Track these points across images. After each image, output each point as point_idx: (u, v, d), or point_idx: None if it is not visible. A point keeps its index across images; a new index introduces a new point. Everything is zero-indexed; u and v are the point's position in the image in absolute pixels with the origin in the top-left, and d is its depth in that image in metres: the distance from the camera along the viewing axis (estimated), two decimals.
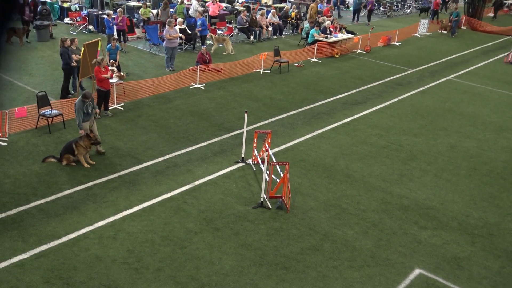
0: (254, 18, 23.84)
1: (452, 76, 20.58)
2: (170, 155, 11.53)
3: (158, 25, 21.49)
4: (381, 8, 35.38)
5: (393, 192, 10.71)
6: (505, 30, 31.45)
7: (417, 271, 8.23)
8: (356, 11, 30.90)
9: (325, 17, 25.36)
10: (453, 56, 24.20)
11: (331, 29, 23.15)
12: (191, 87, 16.29)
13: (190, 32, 20.92)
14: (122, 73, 15.20)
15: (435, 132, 14.28)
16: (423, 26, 29.36)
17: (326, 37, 22.26)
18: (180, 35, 19.36)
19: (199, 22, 20.92)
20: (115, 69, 15.06)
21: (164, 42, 18.11)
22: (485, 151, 13.30)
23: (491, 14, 38.23)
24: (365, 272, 8.08)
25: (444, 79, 20.01)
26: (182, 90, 16.00)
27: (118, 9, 20.82)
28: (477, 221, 9.90)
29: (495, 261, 8.68)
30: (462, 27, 32.24)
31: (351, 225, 9.37)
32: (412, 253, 8.70)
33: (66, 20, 23.89)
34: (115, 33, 19.78)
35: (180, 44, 19.88)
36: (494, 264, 8.59)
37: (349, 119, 14.73)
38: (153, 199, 9.65)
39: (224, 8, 26.27)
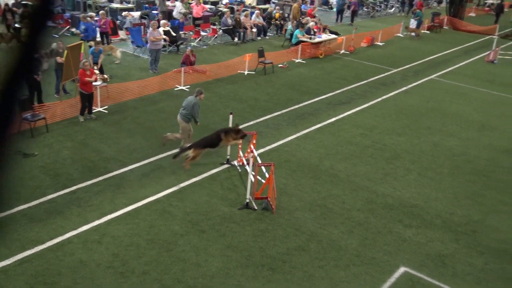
0: (238, 19, 23.85)
1: (435, 75, 20.79)
2: (155, 158, 11.49)
3: (142, 27, 21.41)
4: (365, 9, 35.62)
5: (377, 191, 10.78)
6: (486, 29, 31.85)
7: (402, 269, 8.30)
8: (340, 12, 31.07)
9: (308, 18, 25.48)
10: (436, 56, 24.45)
11: (315, 29, 23.26)
12: (175, 89, 16.24)
13: (174, 34, 20.87)
14: (105, 76, 15.11)
15: (419, 131, 14.42)
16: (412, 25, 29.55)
17: (310, 38, 22.35)
18: (164, 37, 19.31)
19: (82, 27, 18.60)
20: (98, 71, 14.96)
21: (148, 44, 18.04)
22: (468, 149, 13.45)
23: (473, 14, 38.70)
24: (351, 271, 8.13)
25: (427, 78, 20.21)
26: (167, 92, 15.95)
27: (101, 12, 20.69)
28: (460, 218, 10.01)
29: (478, 258, 8.78)
30: (444, 27, 32.59)
31: (336, 224, 9.41)
32: (397, 251, 8.77)
33: (48, 23, 23.65)
34: (98, 35, 19.64)
35: (164, 46, 19.82)
36: (478, 261, 8.70)
37: (333, 119, 14.81)
38: (138, 202, 9.60)
39: (208, 9, 26.24)
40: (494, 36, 29.66)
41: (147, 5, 26.37)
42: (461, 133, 14.57)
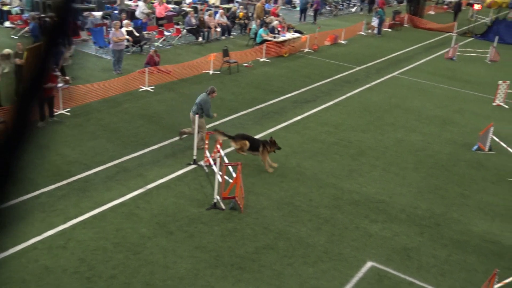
0: (202, 19, 23.75)
1: (397, 72, 21.19)
2: (120, 160, 11.34)
3: (104, 27, 21.07)
4: (327, 7, 36.00)
5: (344, 188, 10.93)
6: (445, 27, 32.66)
7: (369, 264, 8.43)
8: (303, 11, 31.32)
9: (272, 17, 25.58)
10: (397, 53, 24.93)
11: (279, 28, 23.38)
12: (140, 90, 16.06)
13: (137, 34, 20.62)
14: (67, 78, 14.81)
15: (383, 128, 14.68)
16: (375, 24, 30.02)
17: (274, 37, 22.46)
18: (127, 37, 19.06)
19: (30, 26, 17.92)
20: (59, 73, 14.64)
21: (111, 44, 17.78)
22: (430, 144, 13.77)
23: (432, 12, 39.61)
24: (319, 268, 8.22)
25: (390, 75, 20.58)
26: (131, 93, 15.75)
27: None
28: (424, 212, 10.25)
29: (442, 250, 9.01)
30: (405, 25, 33.24)
31: (304, 222, 9.50)
32: (364, 246, 8.91)
33: (7, 24, 23.03)
34: None
35: (127, 47, 19.57)
36: (442, 253, 8.92)
37: (299, 117, 14.92)
38: (104, 205, 9.46)
39: (171, 9, 26.03)
40: (452, 34, 30.45)
41: (109, 5, 25.97)
42: (423, 128, 14.90)
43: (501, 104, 17.84)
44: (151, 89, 16.21)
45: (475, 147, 13.66)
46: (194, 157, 11.39)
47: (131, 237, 8.58)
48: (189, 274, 7.80)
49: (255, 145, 11.46)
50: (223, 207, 9.67)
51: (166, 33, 22.96)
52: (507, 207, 10.74)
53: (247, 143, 11.40)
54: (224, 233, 8.93)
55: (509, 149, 13.49)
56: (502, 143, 13.76)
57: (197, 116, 11.64)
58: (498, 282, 7.89)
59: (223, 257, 8.26)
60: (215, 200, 9.71)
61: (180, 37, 23.24)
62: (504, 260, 8.88)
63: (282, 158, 12.09)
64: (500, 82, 17.95)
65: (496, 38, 26.75)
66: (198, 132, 11.68)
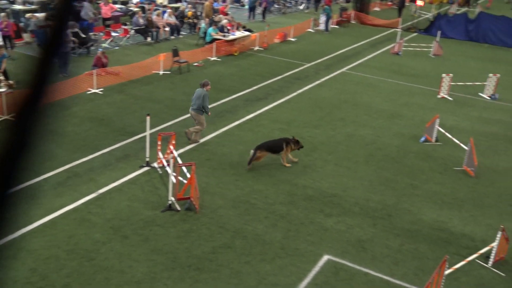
0: (150, 18, 23.44)
1: (346, 68, 21.60)
2: (70, 165, 11.04)
3: (48, 29, 20.42)
4: (276, 5, 36.25)
5: (298, 184, 11.05)
6: (390, 23, 33.52)
7: (325, 257, 8.57)
8: (252, 9, 31.41)
9: (221, 15, 25.54)
10: (345, 50, 25.40)
11: (229, 27, 23.37)
12: (88, 92, 15.69)
13: (83, 36, 20.13)
14: (10, 82, 14.30)
15: (333, 123, 14.93)
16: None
17: (224, 36, 22.43)
18: (73, 39, 18.57)
19: None
20: (2, 77, 14.13)
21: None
22: (379, 137, 14.12)
23: (377, 8, 40.57)
24: (277, 264, 8.28)
25: (339, 71, 20.95)
26: (79, 96, 15.37)
27: (2, 14, 19.53)
28: (376, 204, 10.50)
29: (395, 240, 9.26)
30: (352, 21, 33.91)
31: (260, 219, 9.55)
32: (319, 240, 9.04)
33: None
34: (0, 39, 18.53)
35: (73, 48, 19.06)
36: (394, 243, 9.17)
37: (251, 115, 14.98)
38: (55, 212, 9.20)
39: (118, 9, 25.55)
40: (397, 29, 31.28)
41: (52, 6, 25.20)
42: (372, 122, 15.25)
43: (446, 96, 18.49)
44: (99, 91, 15.87)
45: (422, 138, 14.11)
46: (147, 159, 11.24)
47: (84, 244, 8.39)
48: (146, 278, 7.69)
49: (279, 149, 11.75)
50: (178, 208, 9.60)
51: (113, 34, 22.52)
52: (454, 196, 11.15)
53: (267, 153, 11.65)
54: (180, 234, 8.86)
55: (454, 139, 14.01)
56: (447, 134, 14.27)
57: (192, 112, 12.39)
58: (449, 268, 8.20)
59: (180, 259, 8.20)
60: (170, 202, 9.62)
61: (128, 38, 22.85)
62: (453, 247, 9.22)
63: (236, 156, 12.11)
64: (443, 75, 18.60)
65: (439, 33, 27.68)
66: (203, 127, 12.49)
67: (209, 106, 15.44)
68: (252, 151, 11.55)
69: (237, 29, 24.14)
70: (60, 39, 1.37)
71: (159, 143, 11.13)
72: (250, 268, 8.13)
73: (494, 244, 8.62)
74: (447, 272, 8.04)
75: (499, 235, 8.48)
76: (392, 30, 31.89)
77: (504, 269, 8.66)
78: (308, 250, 8.73)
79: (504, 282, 8.35)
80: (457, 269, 8.47)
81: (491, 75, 19.08)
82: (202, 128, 12.60)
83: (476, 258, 8.81)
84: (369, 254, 8.79)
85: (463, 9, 44.33)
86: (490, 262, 8.69)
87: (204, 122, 12.56)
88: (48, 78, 1.35)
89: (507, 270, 8.64)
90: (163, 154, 11.27)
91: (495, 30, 30.07)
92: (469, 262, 8.68)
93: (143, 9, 26.18)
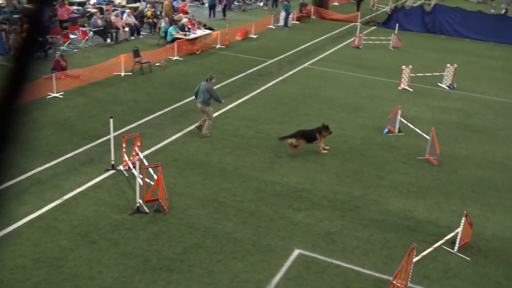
0: (108, 19, 23.04)
1: (308, 63, 21.76)
2: (33, 172, 10.77)
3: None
4: (236, 3, 36.20)
5: (266, 180, 11.09)
6: (349, 17, 33.95)
7: (296, 252, 8.63)
8: (212, 7, 31.27)
9: (181, 14, 25.35)
10: (307, 45, 25.59)
11: (189, 26, 23.21)
12: (48, 97, 15.32)
13: (40, 39, 19.61)
14: None
15: (298, 118, 15.03)
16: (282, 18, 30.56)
17: (185, 35, 22.27)
18: None
19: None
20: None
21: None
22: (344, 130, 14.29)
23: (336, 3, 41.02)
24: (249, 261, 8.29)
25: (301, 67, 21.09)
26: (39, 100, 14.98)
27: None
28: (344, 196, 10.64)
29: (363, 231, 9.40)
30: (312, 17, 34.18)
31: (230, 217, 9.53)
32: (290, 235, 9.10)
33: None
34: None
35: None
36: (363, 234, 9.31)
37: (216, 113, 14.90)
38: (19, 221, 8.95)
39: (75, 10, 25.02)
40: (357, 23, 31.71)
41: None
42: (336, 116, 15.43)
43: (406, 87, 18.86)
44: (60, 95, 15.52)
45: (386, 130, 14.36)
46: (112, 162, 11.06)
47: (51, 251, 8.20)
48: (116, 283, 7.58)
49: (313, 137, 12.51)
50: (147, 210, 9.49)
51: (71, 36, 22.04)
52: (419, 185, 11.40)
53: (304, 141, 12.40)
54: (150, 236, 8.77)
55: (416, 129, 14.31)
56: (409, 124, 14.56)
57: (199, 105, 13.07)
58: (416, 255, 8.38)
59: (151, 261, 8.11)
60: (137, 204, 9.50)
61: (86, 40, 22.41)
62: (420, 234, 9.42)
63: (202, 155, 12.05)
64: (403, 67, 18.96)
65: (397, 25, 28.24)
66: (205, 120, 13.08)
67: (173, 106, 15.36)
68: (287, 140, 12.36)
69: (198, 27, 23.99)
70: (33, 45, 1.35)
71: (124, 145, 10.97)
72: (222, 267, 8.11)
73: (459, 229, 8.85)
74: (415, 259, 8.22)
75: (463, 220, 8.72)
76: (352, 24, 32.31)
77: (469, 253, 8.91)
78: (279, 246, 8.77)
79: (470, 266, 8.59)
80: (424, 256, 8.67)
81: (448, 65, 19.56)
82: (211, 120, 13.23)
83: (442, 244, 9.03)
84: (339, 246, 8.90)
85: (420, 2, 45.31)
86: (456, 248, 8.93)
87: (212, 113, 13.22)
88: (20, 85, 1.32)
89: (472, 254, 8.90)
90: (129, 157, 11.11)
91: (450, 22, 30.84)
92: (436, 248, 8.89)
93: (101, 10, 25.72)
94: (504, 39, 29.48)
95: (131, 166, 10.91)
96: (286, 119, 14.89)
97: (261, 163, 11.90)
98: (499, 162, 12.93)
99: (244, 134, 13.55)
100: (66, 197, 9.85)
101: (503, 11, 33.71)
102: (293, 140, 12.28)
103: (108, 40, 22.71)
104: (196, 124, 13.48)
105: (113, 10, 25.21)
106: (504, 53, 26.98)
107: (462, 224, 8.75)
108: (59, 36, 21.61)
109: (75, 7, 25.81)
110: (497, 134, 14.96)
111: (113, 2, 29.39)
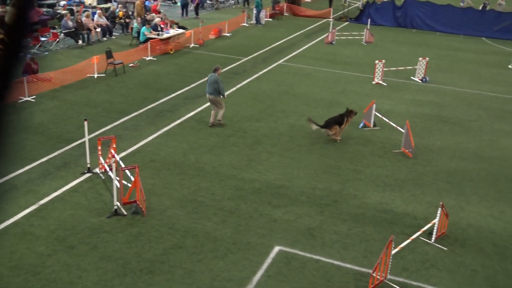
0: (79, 21, 22.73)
1: (282, 60, 21.82)
2: (6, 178, 10.53)
3: None
4: (208, 1, 36.06)
5: (244, 178, 11.09)
6: (322, 13, 34.15)
7: (276, 249, 8.66)
8: (184, 6, 31.09)
9: (153, 14, 25.14)
10: (281, 42, 25.65)
11: (162, 25, 23.04)
12: (19, 101, 15.04)
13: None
14: None
15: (275, 115, 15.06)
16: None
17: (158, 34, 22.11)
18: None
19: None
20: None
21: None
22: None
23: (308, 0, 41.17)
24: (229, 260, 8.29)
25: (276, 64, 21.14)
26: (10, 105, 14.68)
27: None
28: (322, 191, 10.71)
29: (342, 225, 9.48)
30: (285, 14, 34.27)
31: (209, 216, 9.51)
32: (270, 232, 9.12)
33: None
34: None
35: None
36: (342, 228, 9.39)
37: (192, 113, 14.87)
38: None
39: (45, 12, 24.60)
40: (329, 19, 31.92)
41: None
42: (312, 112, 15.51)
43: (380, 82, 19.06)
44: (32, 99, 15.26)
45: (361, 124, 14.49)
46: (88, 165, 10.93)
47: (28, 258, 8.06)
48: (96, 287, 7.50)
49: (342, 122, 13.26)
50: (125, 213, 9.41)
51: (42, 39, 21.65)
52: (395, 177, 11.55)
53: (338, 127, 13.19)
54: (129, 239, 8.69)
55: (391, 123, 14.48)
56: (384, 118, 14.73)
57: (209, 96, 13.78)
58: (395, 247, 8.49)
59: (131, 264, 8.05)
60: (115, 207, 9.40)
61: (58, 42, 22.06)
62: (398, 226, 9.55)
63: (179, 155, 11.99)
64: (376, 61, 19.16)
65: (369, 20, 28.52)
66: (214, 109, 13.85)
67: (148, 107, 15.25)
68: (323, 130, 13.19)
69: (171, 27, 23.83)
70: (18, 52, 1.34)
71: (99, 148, 10.84)
72: (203, 266, 8.09)
73: (436, 220, 9.00)
74: (394, 251, 8.33)
75: (439, 211, 8.87)
76: (325, 20, 32.52)
77: (445, 243, 9.07)
78: (259, 243, 8.79)
79: (447, 255, 8.75)
80: (403, 248, 8.78)
81: (420, 59, 19.84)
82: (222, 108, 13.85)
83: (420, 235, 9.17)
84: (318, 241, 8.96)
85: None
86: (433, 238, 9.07)
87: (223, 102, 13.91)
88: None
89: (449, 244, 9.06)
90: (105, 159, 10.99)
91: (421, 16, 31.29)
92: (414, 240, 9.02)
93: (71, 12, 25.35)
94: (473, 31, 30.06)
95: (108, 169, 10.79)
96: (262, 116, 14.91)
97: (239, 161, 11.90)
98: (472, 153, 13.19)
99: (221, 132, 13.53)
100: (41, 202, 9.70)
101: (481, 6, 34.21)
102: (329, 132, 13.16)
103: (80, 42, 22.41)
104: (211, 121, 13.88)
105: (84, 11, 24.88)
106: (473, 46, 27.48)
107: (438, 215, 8.90)
108: (29, 39, 21.21)
109: (44, 9, 25.36)
110: (469, 125, 15.24)
111: (83, 3, 29.00)
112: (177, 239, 8.75)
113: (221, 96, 13.75)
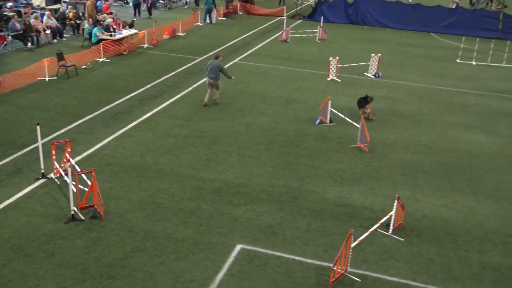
0: (28, 22, 22.06)
1: (238, 59, 21.85)
2: None
3: None
4: (161, 1, 35.67)
5: (204, 178, 11.05)
6: (275, 11, 34.39)
7: (238, 247, 8.68)
8: (136, 6, 30.66)
9: (105, 14, 24.67)
10: (235, 41, 25.67)
11: (114, 26, 22.65)
12: None
13: None
14: None
15: (232, 114, 15.07)
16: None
17: (110, 35, 21.73)
18: None
19: None
20: None
21: None
22: (277, 124, 14.49)
23: None
24: (191, 260, 8.25)
25: (231, 62, 21.14)
26: None
27: None
28: (281, 188, 10.80)
29: (302, 221, 9.60)
30: (238, 12, 34.30)
31: (169, 218, 9.44)
32: (231, 231, 9.13)
33: None
34: None
35: None
36: (302, 224, 9.50)
37: (148, 114, 14.69)
38: None
39: None
40: (283, 17, 32.16)
41: None
42: (269, 109, 15.61)
43: (334, 78, 19.37)
44: None
45: (318, 121, 14.69)
46: (42, 171, 10.64)
47: None
48: None
49: (370, 100, 14.97)
50: (82, 217, 9.21)
51: None
52: (352, 172, 11.77)
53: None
54: (88, 244, 8.52)
55: (347, 118, 14.74)
56: (340, 114, 14.98)
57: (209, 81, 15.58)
58: (354, 240, 8.67)
59: (91, 269, 7.89)
60: (72, 212, 9.20)
61: (5, 45, 21.34)
62: (357, 220, 9.74)
63: (137, 157, 11.84)
64: (330, 58, 19.45)
65: (322, 18, 28.91)
66: (210, 90, 15.59)
67: (103, 109, 14.99)
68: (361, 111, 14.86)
69: (124, 27, 23.45)
70: None
71: (53, 152, 10.57)
72: (165, 268, 8.03)
73: (392, 212, 9.23)
74: (353, 244, 8.50)
75: (395, 203, 9.10)
76: (278, 18, 32.74)
77: (402, 234, 9.32)
78: (221, 242, 8.79)
79: (404, 246, 8.99)
80: (362, 241, 8.97)
81: (373, 55, 20.27)
82: (220, 90, 15.80)
83: (378, 228, 9.38)
84: (280, 238, 9.04)
85: None
86: (391, 230, 9.31)
87: (220, 85, 15.73)
88: None
89: (406, 235, 9.31)
90: (59, 164, 10.73)
91: (372, 12, 31.96)
92: (372, 232, 9.22)
93: (19, 13, 24.56)
94: (421, 27, 30.98)
95: (63, 173, 10.54)
96: (219, 115, 14.89)
97: (197, 161, 11.85)
98: (425, 145, 13.59)
99: (178, 133, 13.43)
100: None
101: (454, 5, 35.02)
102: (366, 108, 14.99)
103: (29, 44, 21.76)
104: (205, 101, 15.51)
105: (32, 13, 24.14)
106: (422, 41, 28.28)
107: (394, 207, 9.13)
108: None
109: None
110: (421, 118, 15.69)
111: (31, 4, 28.15)
112: (137, 242, 8.64)
113: (229, 78, 15.73)
